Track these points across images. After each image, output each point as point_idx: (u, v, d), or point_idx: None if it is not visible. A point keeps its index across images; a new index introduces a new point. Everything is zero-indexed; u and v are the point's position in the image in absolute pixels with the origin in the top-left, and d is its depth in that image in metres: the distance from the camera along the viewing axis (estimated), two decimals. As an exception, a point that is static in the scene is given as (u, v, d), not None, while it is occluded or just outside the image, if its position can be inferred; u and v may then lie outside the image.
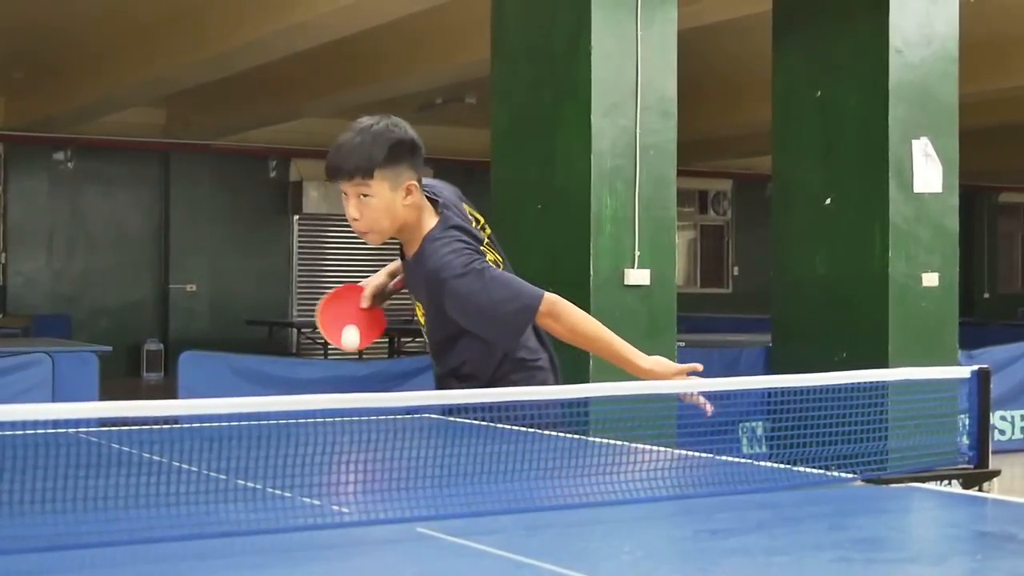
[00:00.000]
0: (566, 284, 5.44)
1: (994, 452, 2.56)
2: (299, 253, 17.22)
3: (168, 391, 10.76)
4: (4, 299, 15.74)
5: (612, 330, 3.17)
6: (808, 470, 2.27)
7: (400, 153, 3.12)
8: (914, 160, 7.09)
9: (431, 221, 3.21)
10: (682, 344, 7.18)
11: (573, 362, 4.65)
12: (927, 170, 7.11)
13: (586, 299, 5.84)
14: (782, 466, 2.29)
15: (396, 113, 3.27)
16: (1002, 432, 8.48)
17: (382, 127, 3.14)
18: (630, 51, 6.06)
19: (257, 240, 16.93)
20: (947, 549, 1.83)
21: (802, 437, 2.35)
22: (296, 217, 17.10)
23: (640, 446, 2.50)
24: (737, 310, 16.73)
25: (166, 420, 2.17)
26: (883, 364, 6.67)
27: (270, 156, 16.88)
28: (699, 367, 3.03)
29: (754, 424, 7.12)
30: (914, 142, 7.10)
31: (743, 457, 2.49)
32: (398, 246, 3.34)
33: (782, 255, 7.72)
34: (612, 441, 2.59)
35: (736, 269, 20.05)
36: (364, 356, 14.08)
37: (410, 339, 13.27)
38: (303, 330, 15.47)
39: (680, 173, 6.34)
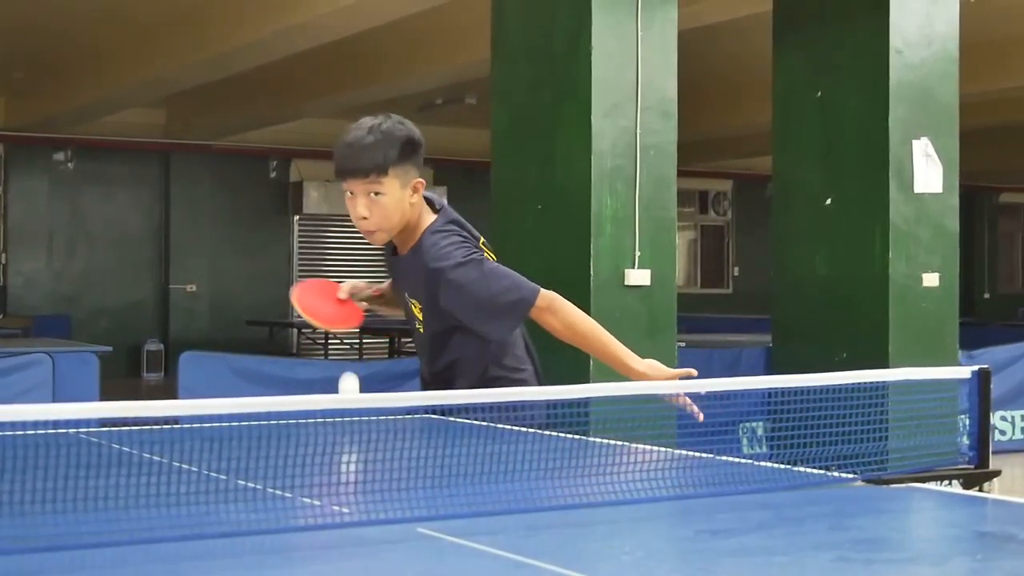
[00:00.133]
0: (566, 284, 5.43)
1: (994, 452, 2.56)
2: (299, 253, 17.22)
3: (168, 391, 10.76)
4: (4, 299, 15.73)
5: (612, 331, 3.18)
6: (808, 470, 2.27)
7: (410, 151, 3.15)
8: (914, 160, 7.09)
9: (430, 218, 3.25)
10: (682, 344, 7.19)
11: (573, 362, 4.66)
12: (927, 170, 7.10)
13: (586, 299, 5.84)
14: (782, 466, 2.29)
15: (396, 113, 3.27)
16: (1002, 432, 8.46)
17: (391, 125, 3.15)
18: (630, 51, 6.06)
19: (257, 240, 16.93)
20: (947, 549, 1.82)
21: (802, 437, 2.34)
22: (296, 217, 17.11)
23: (640, 446, 2.50)
24: (737, 310, 16.72)
25: (166, 420, 2.18)
26: (883, 364, 6.67)
27: (270, 156, 16.88)
28: (694, 372, 3.00)
29: (754, 424, 7.12)
30: (914, 142, 7.09)
31: (743, 457, 2.49)
32: (390, 246, 3.35)
33: (782, 255, 7.72)
34: (612, 441, 2.59)
35: (736, 269, 20.05)
36: (364, 356, 14.11)
37: (410, 339, 13.24)
38: (303, 330, 15.47)
39: (680, 173, 6.33)
